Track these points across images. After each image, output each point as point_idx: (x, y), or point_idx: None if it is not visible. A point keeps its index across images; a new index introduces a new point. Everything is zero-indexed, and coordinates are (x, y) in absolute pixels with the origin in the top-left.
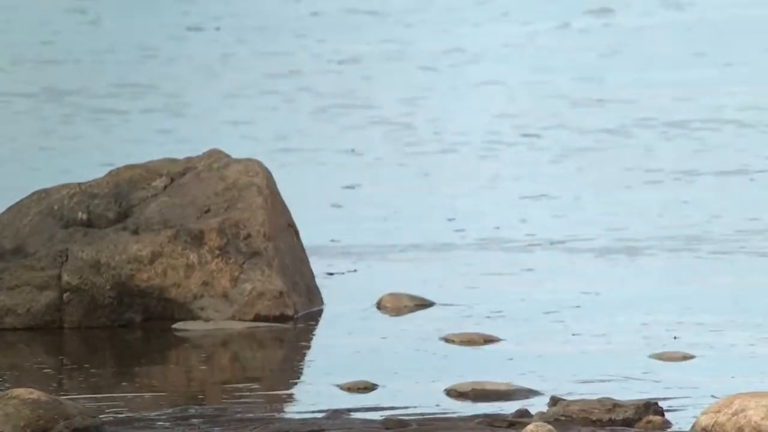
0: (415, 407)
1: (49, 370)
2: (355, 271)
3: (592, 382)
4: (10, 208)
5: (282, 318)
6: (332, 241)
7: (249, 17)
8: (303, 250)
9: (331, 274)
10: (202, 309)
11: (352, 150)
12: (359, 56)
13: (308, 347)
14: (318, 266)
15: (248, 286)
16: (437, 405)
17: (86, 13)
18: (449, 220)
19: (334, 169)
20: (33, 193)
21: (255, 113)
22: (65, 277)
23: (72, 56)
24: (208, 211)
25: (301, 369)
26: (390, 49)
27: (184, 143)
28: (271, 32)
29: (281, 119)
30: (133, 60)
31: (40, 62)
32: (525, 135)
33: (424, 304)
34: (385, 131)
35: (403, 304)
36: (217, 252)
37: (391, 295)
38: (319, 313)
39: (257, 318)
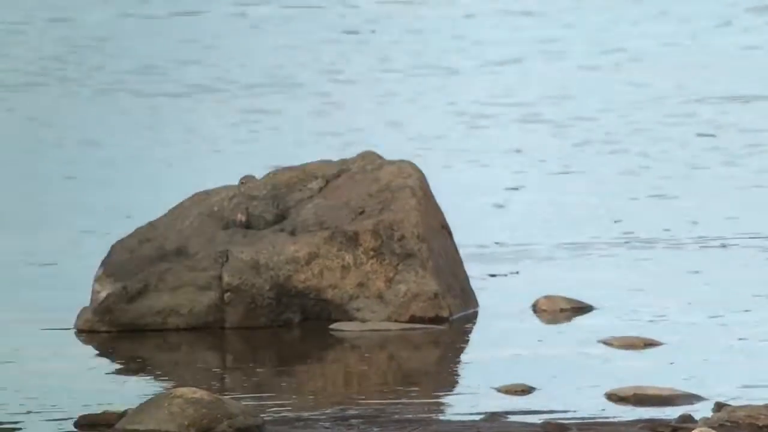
0: (575, 411)
1: (212, 370)
2: (517, 272)
3: (759, 387)
4: (171, 210)
5: (437, 319)
6: (496, 243)
7: (404, 20)
8: (457, 251)
9: (494, 275)
10: (357, 310)
11: (516, 151)
12: (518, 57)
13: (464, 349)
14: (480, 268)
15: (403, 287)
16: (599, 409)
17: (246, 16)
18: (615, 222)
19: (496, 170)
20: (193, 195)
21: (413, 114)
22: (226, 278)
23: (233, 59)
24: (362, 212)
25: (458, 371)
26: (549, 49)
27: (339, 146)
28: (427, 34)
29: (440, 120)
30: (290, 63)
31: (203, 65)
32: (699, 135)
33: (581, 307)
34: (547, 132)
35: (558, 307)
36: (371, 253)
37: (547, 297)
38: (474, 315)
39: (412, 319)
